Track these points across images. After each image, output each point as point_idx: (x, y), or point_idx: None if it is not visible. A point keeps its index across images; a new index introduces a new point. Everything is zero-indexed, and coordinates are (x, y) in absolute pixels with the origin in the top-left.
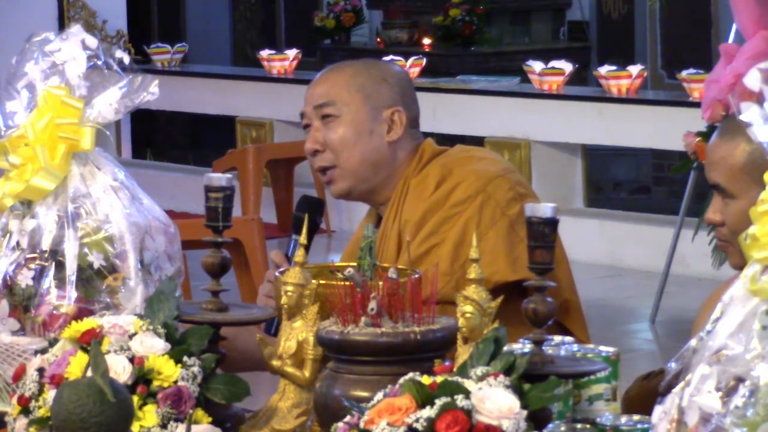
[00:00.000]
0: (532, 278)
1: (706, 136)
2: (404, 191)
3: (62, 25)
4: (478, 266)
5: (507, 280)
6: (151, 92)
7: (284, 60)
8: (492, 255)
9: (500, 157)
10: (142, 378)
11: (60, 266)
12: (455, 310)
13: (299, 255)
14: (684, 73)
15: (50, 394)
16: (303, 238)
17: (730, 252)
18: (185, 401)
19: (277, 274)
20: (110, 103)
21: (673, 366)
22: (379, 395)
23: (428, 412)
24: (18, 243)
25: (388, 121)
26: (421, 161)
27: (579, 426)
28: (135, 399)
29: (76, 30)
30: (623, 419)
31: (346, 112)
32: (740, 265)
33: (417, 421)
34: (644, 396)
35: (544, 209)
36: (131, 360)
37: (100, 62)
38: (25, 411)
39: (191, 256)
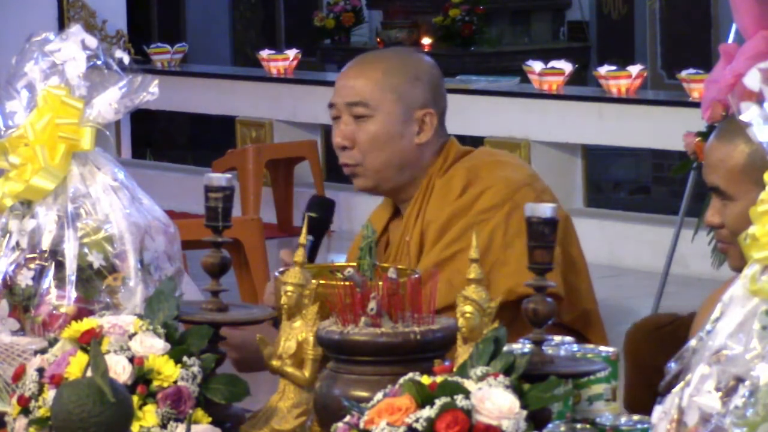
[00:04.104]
0: (559, 291)
1: (706, 136)
2: (428, 191)
3: (62, 25)
4: (478, 266)
5: (531, 293)
6: (151, 92)
7: (284, 60)
8: (518, 265)
9: (525, 163)
10: (142, 378)
11: (60, 266)
12: None
13: (299, 255)
14: (684, 73)
15: (50, 394)
16: (302, 238)
17: (731, 254)
18: (185, 401)
19: (276, 274)
20: (110, 103)
21: (673, 366)
22: (379, 395)
23: (428, 412)
24: (18, 243)
25: (419, 122)
26: (447, 161)
27: (579, 426)
28: (135, 399)
29: (76, 30)
30: (623, 419)
31: (378, 114)
32: (740, 268)
33: (417, 421)
34: (650, 327)
35: (543, 209)
36: (131, 360)
37: (100, 62)
38: (25, 411)
39: (191, 256)
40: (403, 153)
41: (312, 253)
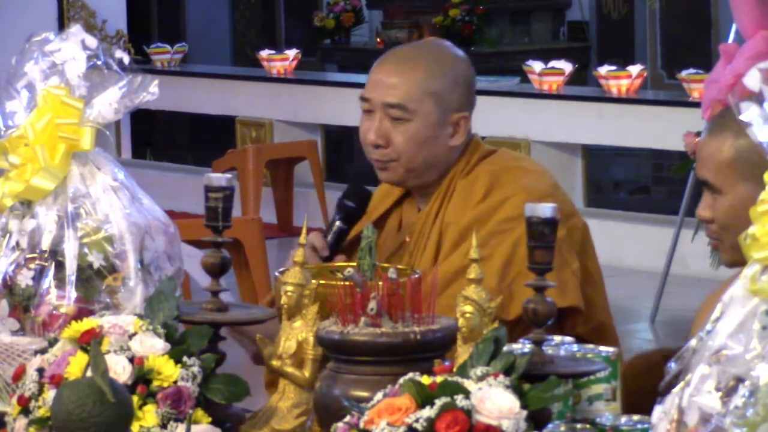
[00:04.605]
0: (579, 305)
1: None
2: (450, 191)
3: (62, 25)
4: (478, 266)
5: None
6: (151, 92)
7: (284, 60)
8: None
9: (546, 170)
10: (142, 378)
11: (60, 266)
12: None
13: (299, 255)
14: (684, 73)
15: (50, 394)
16: (302, 238)
17: (722, 249)
18: (185, 401)
19: (276, 273)
20: (110, 103)
21: (673, 366)
22: (379, 395)
23: (428, 412)
24: (18, 243)
25: (453, 126)
26: (470, 162)
27: (579, 426)
28: (135, 399)
29: (76, 30)
30: (623, 419)
31: (416, 117)
32: (732, 262)
33: (417, 421)
34: (641, 369)
35: (543, 209)
36: (131, 360)
37: (100, 62)
38: (25, 411)
39: None
40: (436, 155)
41: (340, 241)
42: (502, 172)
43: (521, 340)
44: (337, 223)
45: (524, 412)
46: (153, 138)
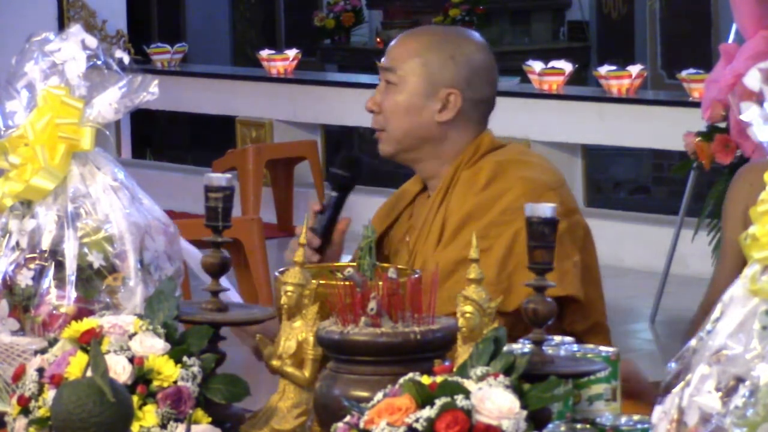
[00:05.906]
0: (579, 295)
1: (706, 136)
2: (455, 180)
3: (62, 25)
4: (477, 266)
5: (554, 296)
6: (151, 92)
7: (284, 60)
8: None
9: (553, 166)
10: (142, 378)
11: (60, 266)
12: (501, 319)
13: (298, 255)
14: (684, 73)
15: (50, 394)
16: (302, 238)
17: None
18: (185, 401)
19: (276, 274)
20: (110, 103)
21: (673, 366)
22: (379, 395)
23: (428, 412)
24: (18, 243)
25: (443, 101)
26: (477, 153)
27: (579, 426)
28: (135, 399)
29: (75, 30)
30: (623, 419)
31: (403, 83)
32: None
33: (417, 421)
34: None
35: (543, 209)
36: (131, 360)
37: (99, 62)
38: (25, 411)
39: None
40: (422, 127)
41: (337, 209)
42: (508, 164)
43: (521, 340)
44: (332, 192)
45: (524, 412)
46: (153, 138)
